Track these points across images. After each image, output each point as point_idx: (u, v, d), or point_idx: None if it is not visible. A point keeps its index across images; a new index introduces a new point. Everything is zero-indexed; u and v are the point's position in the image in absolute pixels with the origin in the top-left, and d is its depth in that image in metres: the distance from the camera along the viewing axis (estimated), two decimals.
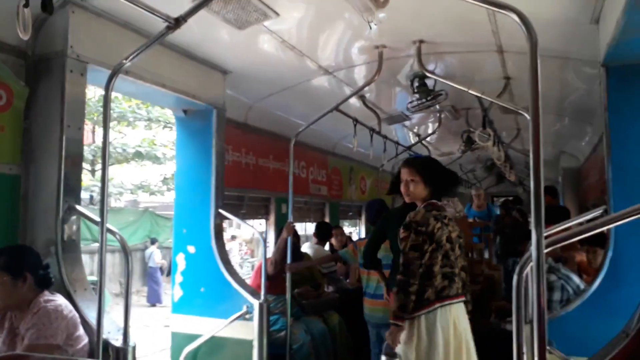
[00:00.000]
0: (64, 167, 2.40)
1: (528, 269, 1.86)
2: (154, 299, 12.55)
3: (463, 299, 2.66)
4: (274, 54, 3.44)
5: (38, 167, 2.46)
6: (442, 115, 5.40)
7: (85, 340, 2.26)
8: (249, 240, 17.47)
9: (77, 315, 2.26)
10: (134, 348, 2.24)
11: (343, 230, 5.58)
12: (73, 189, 2.46)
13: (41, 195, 2.45)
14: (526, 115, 1.69)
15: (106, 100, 2.11)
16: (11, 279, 2.18)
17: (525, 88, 1.77)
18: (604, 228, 2.30)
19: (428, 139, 6.54)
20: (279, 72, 3.79)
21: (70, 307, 2.25)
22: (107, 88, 2.11)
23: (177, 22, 2.04)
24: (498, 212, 7.97)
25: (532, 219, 1.51)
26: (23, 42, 1.77)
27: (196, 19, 2.13)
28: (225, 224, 3.80)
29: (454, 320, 2.53)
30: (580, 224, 2.61)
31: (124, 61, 2.12)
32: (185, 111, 3.64)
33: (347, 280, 5.31)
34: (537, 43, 1.53)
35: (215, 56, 3.41)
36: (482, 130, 4.57)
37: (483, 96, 3.52)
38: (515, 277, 1.93)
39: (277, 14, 2.80)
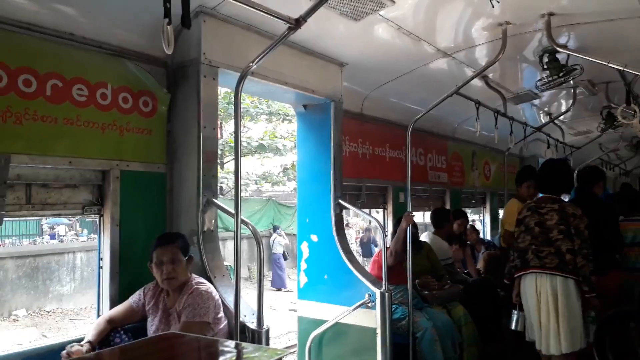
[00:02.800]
0: (202, 165, 2.64)
1: None
2: (278, 284, 13.27)
3: (550, 271, 3.29)
4: (390, 42, 3.41)
5: (180, 165, 2.75)
6: (577, 91, 4.90)
7: (225, 321, 2.49)
8: (368, 227, 17.59)
9: (220, 298, 2.50)
10: (267, 331, 2.41)
11: (464, 220, 5.23)
12: (210, 183, 2.70)
13: (184, 191, 2.73)
14: None
15: (236, 102, 2.26)
16: (186, 259, 2.47)
17: None
18: None
19: (561, 117, 5.98)
20: (395, 59, 3.74)
21: (215, 291, 2.50)
22: (237, 90, 2.26)
23: (297, 23, 2.11)
24: None
25: None
26: (163, 52, 1.97)
27: (314, 16, 2.19)
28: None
29: (537, 285, 3.33)
30: None
31: (251, 64, 2.25)
32: (305, 106, 3.77)
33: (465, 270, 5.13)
34: None
35: (332, 50, 3.47)
36: (626, 107, 4.04)
37: (627, 69, 3.14)
38: None
39: (392, 1, 2.77)
